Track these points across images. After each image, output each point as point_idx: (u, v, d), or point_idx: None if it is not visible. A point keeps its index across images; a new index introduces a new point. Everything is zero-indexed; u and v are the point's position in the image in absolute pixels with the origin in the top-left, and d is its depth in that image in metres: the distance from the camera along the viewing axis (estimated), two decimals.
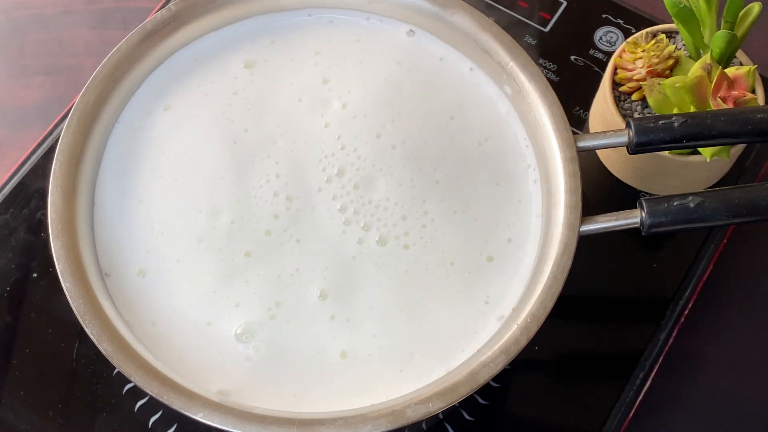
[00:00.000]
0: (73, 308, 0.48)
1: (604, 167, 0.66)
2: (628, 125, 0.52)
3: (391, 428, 0.46)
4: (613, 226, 0.51)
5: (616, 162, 0.65)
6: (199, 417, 0.46)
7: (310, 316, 0.52)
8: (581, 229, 0.51)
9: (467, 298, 0.52)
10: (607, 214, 0.52)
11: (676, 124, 0.52)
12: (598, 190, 0.65)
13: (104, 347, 0.47)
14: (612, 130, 0.53)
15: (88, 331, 0.48)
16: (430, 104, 0.57)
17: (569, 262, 0.50)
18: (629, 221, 0.51)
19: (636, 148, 0.52)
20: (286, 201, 0.55)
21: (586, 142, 0.53)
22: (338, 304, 0.52)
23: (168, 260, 0.53)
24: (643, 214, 0.51)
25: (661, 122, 0.52)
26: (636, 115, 0.62)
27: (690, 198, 0.51)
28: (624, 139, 0.52)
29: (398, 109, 0.57)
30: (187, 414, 0.46)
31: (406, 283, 0.53)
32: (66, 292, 0.49)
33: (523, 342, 0.48)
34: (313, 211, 0.54)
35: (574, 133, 0.53)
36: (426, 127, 0.57)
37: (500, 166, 0.56)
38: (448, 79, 0.59)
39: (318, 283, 0.53)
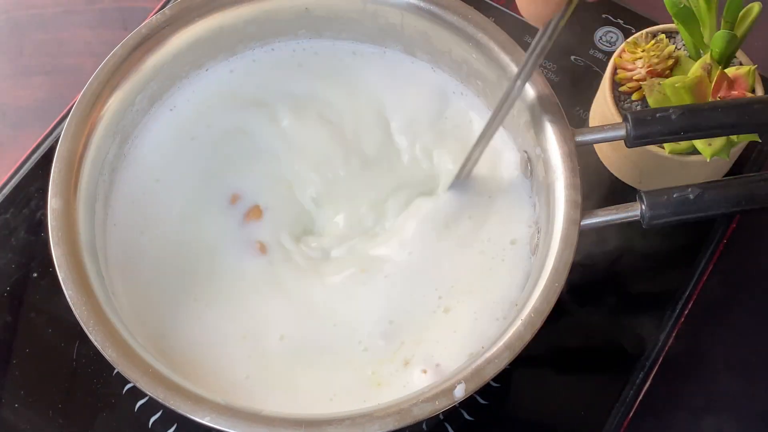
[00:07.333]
0: (77, 316, 0.48)
1: (605, 167, 0.66)
2: (625, 118, 0.52)
3: (398, 426, 0.46)
4: (613, 219, 0.51)
5: (616, 162, 0.65)
6: (206, 421, 0.46)
7: None
8: (582, 223, 0.51)
9: None
10: (607, 208, 0.52)
11: (673, 116, 0.52)
12: (599, 190, 0.65)
13: (109, 354, 0.47)
14: (610, 124, 0.53)
15: (92, 338, 0.48)
16: None
17: (571, 257, 0.50)
18: (629, 214, 0.51)
19: (634, 141, 0.52)
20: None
21: (584, 137, 0.53)
22: None
23: None
24: (643, 207, 0.51)
25: (658, 114, 0.52)
26: None
27: (689, 190, 0.51)
28: (622, 132, 0.52)
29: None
30: (194, 418, 0.46)
31: None
32: (69, 299, 0.49)
33: (528, 337, 0.48)
34: None
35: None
36: None
37: None
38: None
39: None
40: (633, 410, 0.59)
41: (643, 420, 0.60)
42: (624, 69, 0.62)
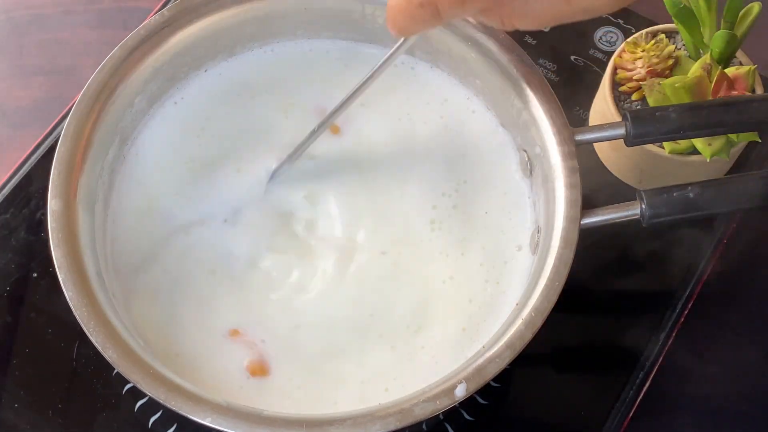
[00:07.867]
0: (77, 317, 0.48)
1: (605, 168, 0.66)
2: (624, 117, 0.52)
3: (399, 426, 0.46)
4: (613, 218, 0.52)
5: (616, 162, 0.65)
6: (208, 422, 0.46)
7: None
8: (582, 222, 0.51)
9: None
10: (607, 207, 0.52)
11: (673, 115, 0.52)
12: (599, 190, 0.65)
13: (109, 355, 0.47)
14: (609, 123, 0.53)
15: (92, 339, 0.48)
16: None
17: (571, 255, 0.50)
18: (629, 213, 0.52)
19: (633, 140, 0.52)
20: None
21: (584, 136, 0.53)
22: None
23: None
24: (643, 206, 0.51)
25: (657, 113, 0.52)
26: None
27: (689, 188, 0.51)
28: (621, 131, 0.53)
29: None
30: (195, 419, 0.46)
31: None
32: (69, 301, 0.49)
33: (529, 336, 0.48)
34: None
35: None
36: None
37: None
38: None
39: None
40: (633, 410, 0.59)
41: (643, 420, 0.60)
42: (624, 69, 0.62)
